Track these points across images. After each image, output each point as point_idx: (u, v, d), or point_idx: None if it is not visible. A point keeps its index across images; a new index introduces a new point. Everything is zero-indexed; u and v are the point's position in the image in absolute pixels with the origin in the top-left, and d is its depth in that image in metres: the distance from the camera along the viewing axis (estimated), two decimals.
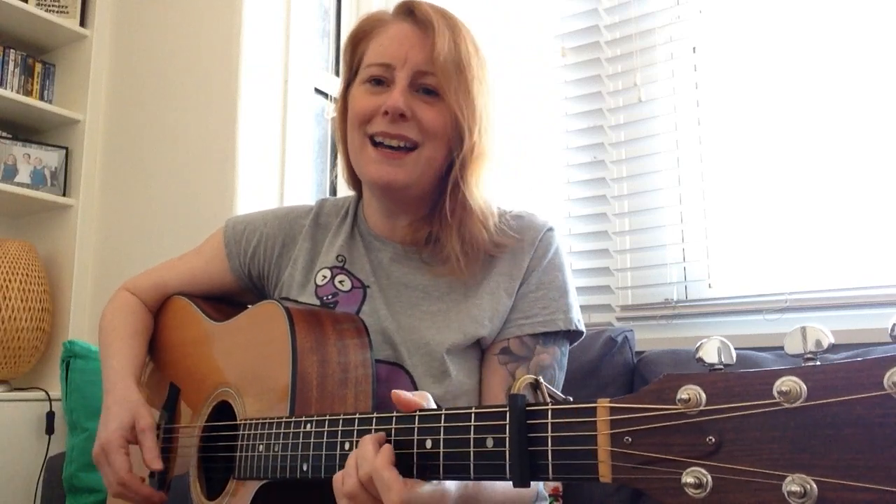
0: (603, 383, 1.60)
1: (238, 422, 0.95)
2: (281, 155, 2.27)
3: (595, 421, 0.56)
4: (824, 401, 0.45)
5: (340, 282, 1.10)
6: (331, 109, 2.44)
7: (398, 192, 1.03)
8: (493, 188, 1.06)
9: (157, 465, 1.03)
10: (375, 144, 1.02)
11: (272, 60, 2.29)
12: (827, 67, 1.77)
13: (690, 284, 1.91)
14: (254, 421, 0.90)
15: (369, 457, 0.69)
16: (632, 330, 1.72)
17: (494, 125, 1.05)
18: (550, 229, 1.08)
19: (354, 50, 1.09)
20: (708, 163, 1.92)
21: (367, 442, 0.71)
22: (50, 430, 2.23)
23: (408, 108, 0.99)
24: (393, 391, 0.74)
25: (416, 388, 1.00)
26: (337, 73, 2.54)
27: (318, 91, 2.46)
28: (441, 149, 1.02)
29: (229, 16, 2.24)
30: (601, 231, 2.04)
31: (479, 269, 1.04)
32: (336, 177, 2.51)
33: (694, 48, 1.98)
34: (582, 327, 1.05)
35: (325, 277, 1.11)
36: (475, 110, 1.01)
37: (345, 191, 2.49)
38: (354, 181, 1.17)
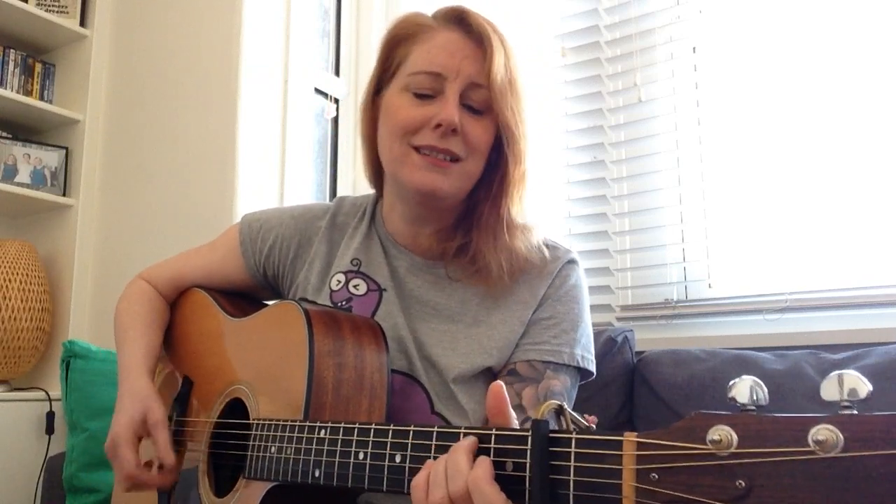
0: (603, 383, 1.59)
1: (251, 421, 0.94)
2: (281, 155, 2.27)
3: (621, 455, 0.54)
4: (861, 453, 0.44)
5: (355, 286, 1.08)
6: (331, 109, 2.43)
7: (438, 200, 1.01)
8: (531, 204, 1.05)
9: (170, 458, 1.03)
10: (419, 152, 0.99)
11: (272, 60, 2.28)
12: (827, 67, 1.77)
13: (690, 284, 1.91)
14: (267, 422, 0.89)
15: (463, 468, 0.62)
16: (632, 330, 1.72)
17: (534, 143, 1.04)
18: (571, 261, 1.06)
19: (392, 52, 1.04)
20: (708, 163, 1.92)
21: (461, 451, 0.64)
22: (50, 430, 2.23)
23: (459, 123, 0.96)
24: (494, 383, 0.69)
25: (431, 403, 1.00)
26: (337, 74, 2.54)
27: (318, 91, 2.45)
28: (481, 164, 1.01)
29: (229, 16, 2.24)
30: (601, 231, 2.04)
31: (499, 292, 1.03)
32: (336, 179, 2.50)
33: (694, 48, 1.98)
34: (586, 365, 1.02)
35: (339, 282, 1.09)
36: (524, 130, 1.00)
37: (345, 192, 2.49)
38: (377, 180, 1.14)
